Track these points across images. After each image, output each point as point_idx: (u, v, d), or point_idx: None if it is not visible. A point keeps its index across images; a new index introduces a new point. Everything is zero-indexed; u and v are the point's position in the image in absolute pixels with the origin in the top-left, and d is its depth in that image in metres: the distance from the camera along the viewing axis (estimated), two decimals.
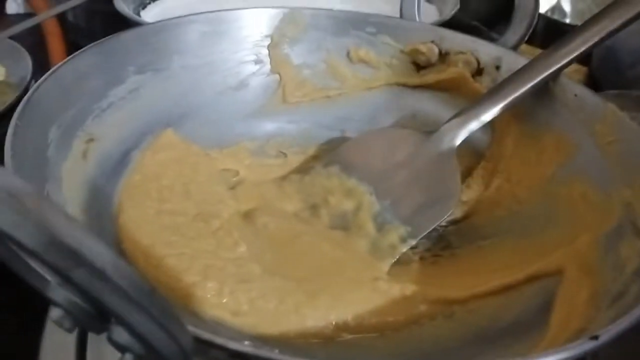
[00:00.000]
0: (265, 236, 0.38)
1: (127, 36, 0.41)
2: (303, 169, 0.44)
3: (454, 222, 0.41)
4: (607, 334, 0.23)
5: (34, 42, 0.62)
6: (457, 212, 0.41)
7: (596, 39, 0.39)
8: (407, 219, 0.38)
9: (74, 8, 0.56)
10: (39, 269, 0.21)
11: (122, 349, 0.20)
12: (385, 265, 0.37)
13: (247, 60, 0.46)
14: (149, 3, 0.68)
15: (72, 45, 0.66)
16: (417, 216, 0.38)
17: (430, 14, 0.65)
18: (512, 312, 0.33)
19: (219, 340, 0.21)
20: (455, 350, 0.31)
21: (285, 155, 0.46)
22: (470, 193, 0.42)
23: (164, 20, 0.44)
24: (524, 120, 0.41)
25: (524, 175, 0.40)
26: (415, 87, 0.47)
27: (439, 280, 0.36)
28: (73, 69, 0.37)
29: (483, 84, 0.44)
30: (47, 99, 0.34)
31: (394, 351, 0.32)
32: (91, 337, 0.35)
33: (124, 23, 0.57)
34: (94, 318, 0.20)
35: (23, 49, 0.56)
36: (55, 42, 0.65)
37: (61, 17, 0.63)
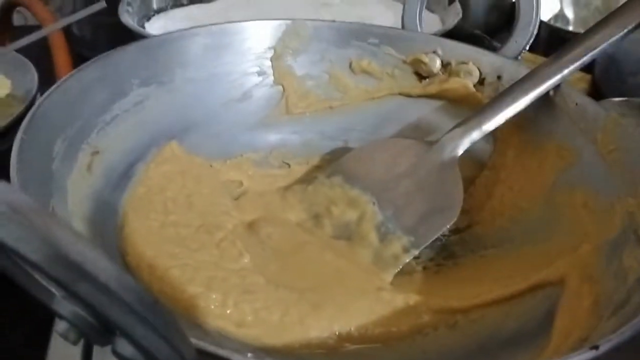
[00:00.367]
0: (269, 247, 0.38)
1: (131, 49, 0.41)
2: (306, 180, 0.44)
3: (456, 232, 0.41)
4: (608, 343, 0.23)
5: (40, 55, 0.62)
6: (459, 222, 0.41)
7: (598, 47, 0.39)
8: (409, 228, 0.38)
9: (79, 21, 0.56)
10: (44, 282, 0.21)
11: None
12: (389, 276, 0.37)
13: (250, 72, 0.46)
14: (154, 15, 0.68)
15: (78, 58, 0.67)
16: (420, 226, 0.38)
17: (432, 23, 0.65)
18: (514, 322, 0.33)
19: (222, 352, 0.22)
20: None
21: (288, 165, 0.46)
22: (473, 202, 0.42)
23: (167, 33, 0.45)
24: (525, 129, 0.41)
25: (526, 184, 0.40)
26: (418, 97, 0.47)
27: (442, 290, 0.36)
28: (78, 83, 0.37)
29: (485, 94, 0.44)
30: (52, 113, 0.34)
31: None
32: (96, 349, 0.35)
33: (129, 35, 0.58)
34: (98, 331, 0.20)
35: (29, 62, 0.56)
36: (60, 54, 0.65)
37: (67, 30, 0.63)
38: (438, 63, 0.46)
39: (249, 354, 0.23)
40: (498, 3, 0.77)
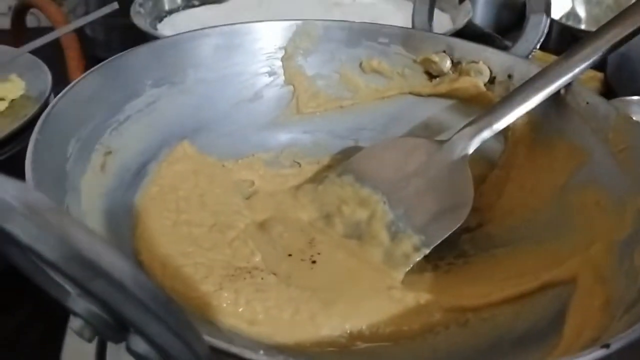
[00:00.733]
0: (280, 246, 0.38)
1: (143, 50, 0.42)
2: (317, 179, 0.45)
3: (467, 231, 0.41)
4: (619, 342, 0.23)
5: (53, 56, 0.63)
6: (470, 221, 0.41)
7: (609, 46, 0.39)
8: (420, 227, 0.38)
9: (92, 22, 0.57)
10: (59, 280, 0.21)
11: (140, 358, 0.20)
12: (400, 274, 0.37)
13: (261, 72, 0.47)
14: (165, 16, 0.69)
15: (90, 59, 0.67)
16: (431, 225, 0.38)
17: (443, 22, 0.65)
18: (526, 321, 0.33)
19: (235, 349, 0.22)
20: (469, 359, 0.32)
21: (299, 165, 0.46)
22: (483, 201, 0.42)
23: (179, 34, 0.45)
24: (536, 128, 0.41)
25: (536, 183, 0.40)
26: (428, 96, 0.47)
27: (453, 289, 0.36)
28: (91, 84, 0.37)
29: (495, 93, 0.44)
30: (66, 114, 0.35)
31: None
32: (110, 346, 0.36)
33: (141, 36, 0.58)
34: (113, 328, 0.21)
35: (42, 63, 0.57)
36: (73, 55, 0.66)
37: (79, 31, 0.64)
38: (448, 62, 0.46)
39: (261, 352, 0.23)
40: (509, 2, 0.77)
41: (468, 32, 0.58)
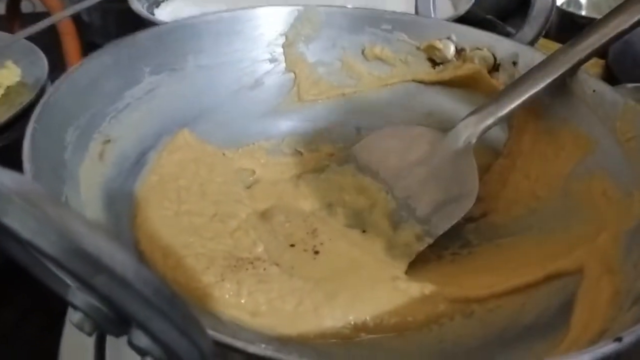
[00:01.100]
0: (283, 236, 0.38)
1: (142, 37, 0.41)
2: (319, 168, 0.44)
3: (471, 220, 0.40)
4: (631, 335, 0.22)
5: (49, 42, 0.62)
6: (474, 210, 0.40)
7: (614, 33, 0.38)
8: (424, 217, 0.38)
9: (88, 8, 0.56)
10: (59, 273, 0.21)
11: (142, 352, 0.20)
12: (403, 265, 0.36)
13: (262, 59, 0.46)
14: (163, 1, 0.68)
15: (87, 45, 0.67)
16: (434, 215, 0.38)
17: (445, 8, 0.64)
18: (532, 312, 0.32)
19: (239, 344, 0.21)
20: (475, 350, 0.31)
21: (301, 153, 0.46)
22: (488, 190, 0.41)
23: (178, 20, 0.44)
24: (541, 117, 0.41)
25: (542, 172, 0.39)
26: (432, 84, 0.46)
27: (458, 279, 0.35)
28: (88, 71, 0.37)
29: (500, 80, 0.44)
30: (63, 102, 0.34)
31: (414, 351, 0.32)
32: (110, 338, 0.35)
33: (138, 22, 0.57)
34: (113, 322, 0.20)
35: (39, 49, 0.56)
36: (70, 41, 0.65)
37: (76, 17, 0.63)
38: (452, 49, 0.45)
39: (263, 345, 0.23)
40: None
41: (470, 18, 0.57)
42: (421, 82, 0.47)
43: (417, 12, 0.49)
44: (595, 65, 0.64)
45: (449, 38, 0.45)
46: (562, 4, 0.78)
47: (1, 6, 0.70)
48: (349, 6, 0.47)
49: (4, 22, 0.67)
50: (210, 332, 0.21)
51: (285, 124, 0.47)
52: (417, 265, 0.37)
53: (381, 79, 0.47)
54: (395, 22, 0.46)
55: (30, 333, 0.40)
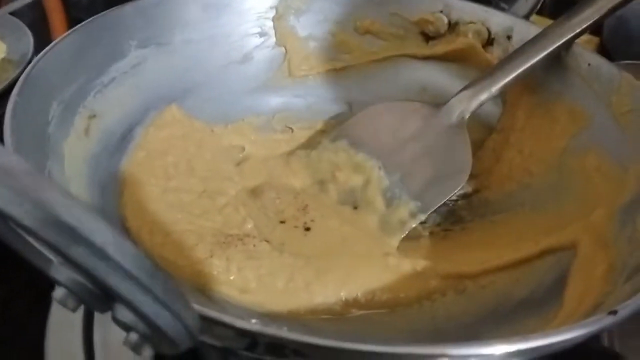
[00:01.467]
0: (273, 212, 0.37)
1: (127, 10, 0.40)
2: (310, 144, 0.43)
3: (464, 197, 0.40)
4: (626, 309, 0.22)
5: (35, 19, 0.61)
6: (467, 186, 0.40)
7: (609, 6, 0.38)
8: (416, 193, 0.37)
9: None
10: (41, 248, 0.20)
11: (126, 328, 0.19)
12: (395, 241, 0.36)
13: (251, 33, 0.45)
14: None
15: (74, 21, 0.65)
16: (427, 191, 0.37)
17: None
18: (525, 287, 0.32)
19: (226, 318, 0.21)
20: (467, 326, 0.31)
21: (291, 130, 0.45)
22: (481, 166, 0.41)
23: None
24: (536, 91, 0.40)
25: (536, 148, 0.39)
26: (425, 58, 0.46)
27: (450, 255, 0.35)
28: (73, 44, 0.36)
29: (494, 55, 0.43)
30: (47, 75, 0.33)
31: (406, 327, 0.32)
32: (97, 315, 0.35)
33: None
34: (97, 297, 0.20)
35: (24, 25, 0.55)
36: (56, 18, 0.64)
37: None
38: (445, 23, 0.44)
39: (253, 320, 0.22)
40: None
41: None
42: (414, 56, 0.46)
43: None
44: (589, 43, 0.64)
45: (441, 11, 0.44)
46: None
47: None
48: None
49: None
50: (197, 306, 0.20)
51: (276, 100, 0.46)
52: (409, 242, 0.37)
53: (373, 53, 0.46)
54: None
55: (17, 312, 0.39)
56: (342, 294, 0.32)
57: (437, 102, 0.40)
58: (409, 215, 0.37)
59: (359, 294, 0.32)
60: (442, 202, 0.37)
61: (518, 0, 0.46)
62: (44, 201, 0.16)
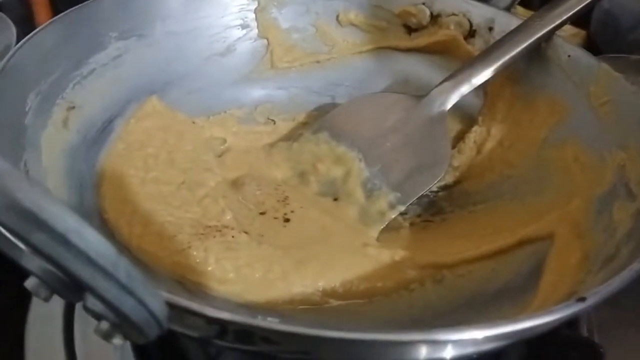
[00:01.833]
0: (253, 204, 0.37)
1: (108, 1, 0.39)
2: (292, 136, 0.43)
3: (445, 188, 0.40)
4: (595, 296, 0.22)
5: (21, 13, 0.60)
6: (448, 178, 0.40)
7: None
8: (396, 185, 0.38)
9: None
10: (10, 237, 0.20)
11: (97, 316, 0.19)
12: (375, 232, 0.36)
13: (233, 24, 0.45)
14: None
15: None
16: (407, 182, 0.37)
17: None
18: (502, 277, 0.32)
19: (195, 307, 0.21)
20: (444, 315, 0.31)
21: (274, 122, 0.45)
22: (462, 158, 0.41)
23: None
24: (516, 83, 0.40)
25: (516, 139, 0.39)
26: (407, 50, 0.46)
27: (429, 246, 0.35)
28: (52, 35, 0.35)
29: (475, 46, 0.43)
30: (24, 66, 0.33)
31: (383, 317, 0.32)
32: (78, 309, 0.35)
33: None
34: (68, 286, 0.20)
35: (6, 17, 0.55)
36: (42, 12, 0.63)
37: None
38: (427, 15, 0.44)
39: (224, 310, 0.22)
40: None
41: None
42: (396, 48, 0.46)
43: None
44: (576, 36, 0.64)
45: (424, 3, 0.44)
46: None
47: None
48: None
49: None
50: (165, 294, 0.20)
51: (258, 92, 0.46)
52: (390, 232, 0.37)
53: (356, 45, 0.46)
54: None
55: (0, 306, 0.39)
56: (320, 284, 0.32)
57: (420, 93, 0.40)
58: (389, 206, 0.37)
59: (337, 284, 0.32)
60: (421, 193, 0.37)
61: None
62: (6, 186, 0.16)
